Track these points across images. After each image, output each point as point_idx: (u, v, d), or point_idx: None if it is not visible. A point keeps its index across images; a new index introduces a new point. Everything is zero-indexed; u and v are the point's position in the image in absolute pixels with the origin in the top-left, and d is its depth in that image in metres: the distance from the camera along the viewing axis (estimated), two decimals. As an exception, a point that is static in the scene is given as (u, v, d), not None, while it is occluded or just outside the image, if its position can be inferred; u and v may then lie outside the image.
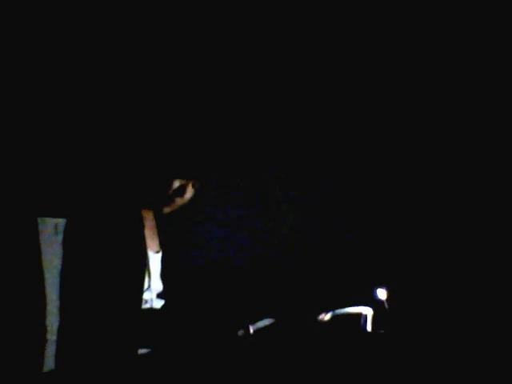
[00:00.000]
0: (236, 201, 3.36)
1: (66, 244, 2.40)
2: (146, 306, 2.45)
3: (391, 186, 3.36)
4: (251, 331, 2.33)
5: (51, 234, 2.69)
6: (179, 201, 2.47)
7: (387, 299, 2.49)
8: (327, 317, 2.48)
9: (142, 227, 2.44)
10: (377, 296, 2.51)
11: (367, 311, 2.47)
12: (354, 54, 3.39)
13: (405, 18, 3.30)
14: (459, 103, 3.30)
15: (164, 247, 2.57)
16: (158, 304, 2.51)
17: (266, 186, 3.39)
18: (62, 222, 2.58)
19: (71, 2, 3.10)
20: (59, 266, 2.41)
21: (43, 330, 2.63)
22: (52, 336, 2.51)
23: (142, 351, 2.33)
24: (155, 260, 2.51)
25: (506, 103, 3.24)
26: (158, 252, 2.54)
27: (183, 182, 2.46)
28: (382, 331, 2.44)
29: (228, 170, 3.33)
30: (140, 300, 2.40)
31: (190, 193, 2.49)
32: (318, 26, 3.34)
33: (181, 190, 2.46)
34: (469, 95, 3.29)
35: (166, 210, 2.49)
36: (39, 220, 2.69)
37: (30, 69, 3.08)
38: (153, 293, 2.49)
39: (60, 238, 2.48)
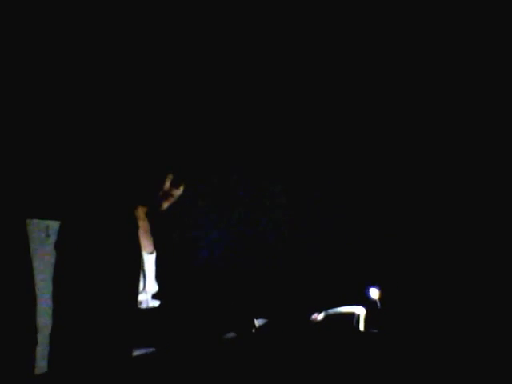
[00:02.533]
0: (229, 202, 3.36)
1: (59, 246, 2.39)
2: (141, 307, 2.45)
3: (383, 186, 3.37)
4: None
5: (43, 235, 2.68)
6: (176, 193, 2.51)
7: (380, 299, 2.51)
8: (320, 317, 2.49)
9: (136, 228, 2.44)
10: (369, 296, 2.53)
11: (360, 311, 2.49)
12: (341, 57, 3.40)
13: (405, 18, 3.30)
14: (459, 103, 3.31)
15: (158, 248, 2.58)
16: (154, 305, 2.51)
17: (260, 188, 3.39)
18: (53, 223, 2.57)
19: (71, 2, 3.09)
20: (50, 268, 2.40)
21: (34, 331, 2.61)
22: (43, 337, 2.49)
23: (137, 352, 2.33)
24: (150, 261, 2.52)
25: (505, 103, 3.25)
26: (152, 253, 2.55)
27: (176, 176, 2.50)
28: (375, 331, 2.46)
29: (222, 170, 3.34)
30: (135, 301, 2.40)
31: (183, 186, 2.53)
32: (317, 26, 3.34)
33: (176, 183, 2.49)
34: (469, 95, 3.29)
35: (165, 205, 2.52)
36: (30, 222, 2.66)
37: (25, 71, 3.06)
38: (148, 294, 2.49)
39: (51, 239, 2.47)
